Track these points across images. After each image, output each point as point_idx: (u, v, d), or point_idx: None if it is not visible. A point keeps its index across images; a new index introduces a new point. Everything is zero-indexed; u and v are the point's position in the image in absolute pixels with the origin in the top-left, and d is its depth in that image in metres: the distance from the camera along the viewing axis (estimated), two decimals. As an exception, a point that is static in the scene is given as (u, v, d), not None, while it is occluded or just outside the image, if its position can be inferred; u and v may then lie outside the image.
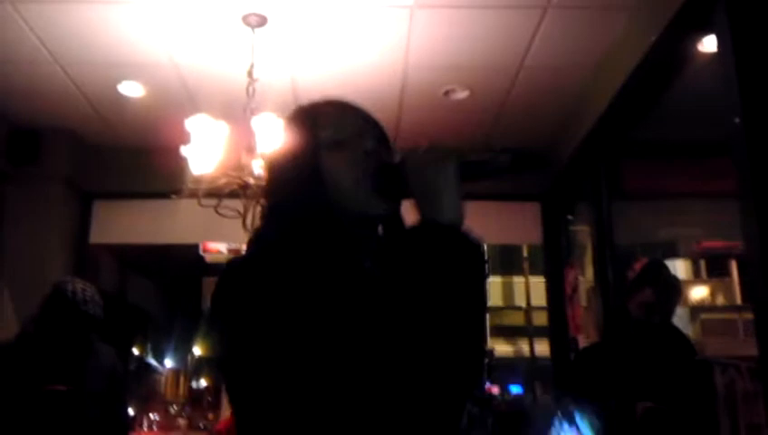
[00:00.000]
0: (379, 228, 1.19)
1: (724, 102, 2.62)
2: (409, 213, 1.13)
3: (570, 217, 5.36)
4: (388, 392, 0.91)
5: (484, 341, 0.97)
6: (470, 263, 0.99)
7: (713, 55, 2.93)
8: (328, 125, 1.20)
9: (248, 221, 3.57)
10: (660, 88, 3.62)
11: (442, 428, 0.94)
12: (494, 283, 12.92)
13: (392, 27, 3.75)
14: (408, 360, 0.91)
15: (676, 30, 3.15)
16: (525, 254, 11.81)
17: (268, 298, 0.98)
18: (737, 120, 2.52)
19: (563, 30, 3.76)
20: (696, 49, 3.31)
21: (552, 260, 5.36)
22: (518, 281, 12.53)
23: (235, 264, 1.09)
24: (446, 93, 4.44)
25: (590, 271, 4.81)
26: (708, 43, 3.11)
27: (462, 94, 4.45)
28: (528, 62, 4.06)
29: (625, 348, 3.05)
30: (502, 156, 1.06)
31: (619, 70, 3.73)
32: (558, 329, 5.21)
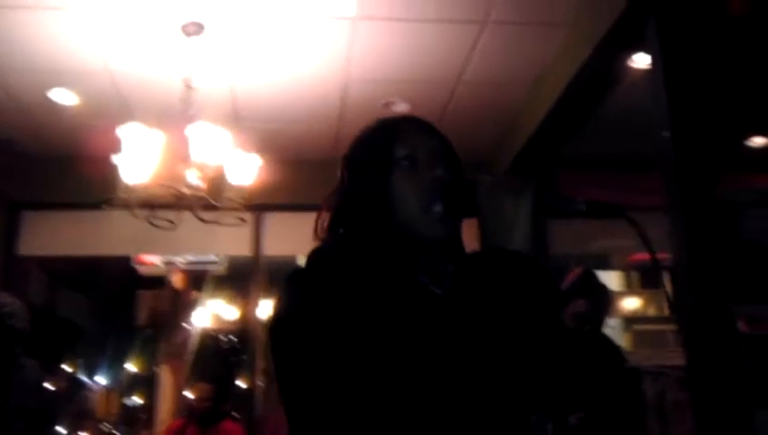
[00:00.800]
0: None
1: (655, 117, 2.69)
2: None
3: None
4: (444, 406, 0.92)
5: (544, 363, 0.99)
6: (542, 289, 0.98)
7: (645, 71, 3.02)
8: (405, 144, 1.19)
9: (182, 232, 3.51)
10: (595, 102, 3.71)
11: None
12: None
13: (333, 38, 3.75)
14: (471, 376, 0.92)
15: (610, 46, 3.23)
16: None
17: (324, 313, 1.00)
18: (666, 134, 2.59)
19: (501, 45, 3.81)
20: (629, 65, 3.41)
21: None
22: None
23: (297, 276, 1.10)
24: (386, 105, 4.45)
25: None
26: (640, 60, 3.20)
27: (401, 107, 4.47)
28: (467, 76, 4.11)
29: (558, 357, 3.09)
30: (579, 201, 1.05)
31: (555, 85, 3.81)
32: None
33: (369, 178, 1.18)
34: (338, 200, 1.23)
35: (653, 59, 2.80)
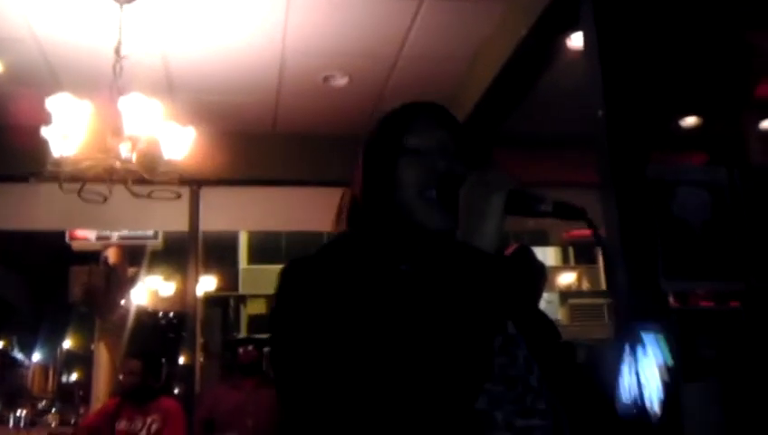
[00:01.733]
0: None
1: (589, 96, 2.73)
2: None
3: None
4: (394, 385, 0.96)
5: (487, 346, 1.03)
6: (490, 289, 1.00)
7: (580, 50, 3.05)
8: (416, 135, 1.21)
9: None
10: (531, 80, 3.74)
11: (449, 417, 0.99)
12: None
13: (269, 8, 3.67)
14: (412, 358, 0.96)
15: (547, 25, 3.25)
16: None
17: (308, 297, 1.07)
18: (600, 112, 2.62)
19: (441, 20, 3.80)
20: (565, 44, 3.44)
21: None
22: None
23: (295, 264, 1.14)
24: (326, 79, 4.41)
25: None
26: (577, 39, 3.23)
27: (341, 81, 4.44)
28: (406, 50, 4.09)
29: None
30: (547, 202, 1.06)
31: (492, 62, 3.82)
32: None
33: (378, 164, 1.22)
34: (354, 185, 1.27)
35: (588, 38, 2.83)
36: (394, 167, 1.19)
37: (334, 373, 0.99)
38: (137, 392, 4.28)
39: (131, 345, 8.41)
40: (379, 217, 1.19)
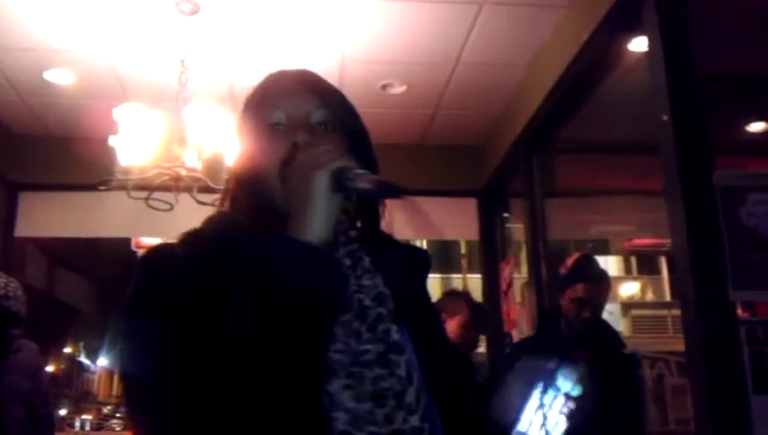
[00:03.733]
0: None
1: (653, 101, 2.68)
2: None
3: (505, 214, 5.42)
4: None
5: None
6: (300, 283, 0.88)
7: (642, 55, 2.99)
8: (273, 106, 1.11)
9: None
10: (592, 86, 3.69)
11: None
12: (433, 280, 12.99)
13: (329, 19, 3.71)
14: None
15: (608, 29, 3.20)
16: (463, 251, 11.93)
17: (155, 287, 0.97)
18: (665, 117, 2.57)
19: (499, 26, 3.78)
20: (627, 48, 3.38)
21: (489, 256, 5.41)
22: (456, 278, 12.64)
23: (156, 251, 1.06)
24: (384, 87, 4.43)
25: (524, 267, 4.87)
26: (638, 44, 3.18)
27: (399, 89, 4.45)
28: (464, 57, 4.08)
29: (556, 341, 3.09)
30: (370, 182, 0.95)
31: (552, 67, 3.78)
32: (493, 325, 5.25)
33: (242, 143, 1.13)
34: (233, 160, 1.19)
35: (651, 41, 2.77)
36: (255, 144, 1.10)
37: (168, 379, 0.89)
38: None
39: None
40: (246, 198, 1.10)
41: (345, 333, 0.99)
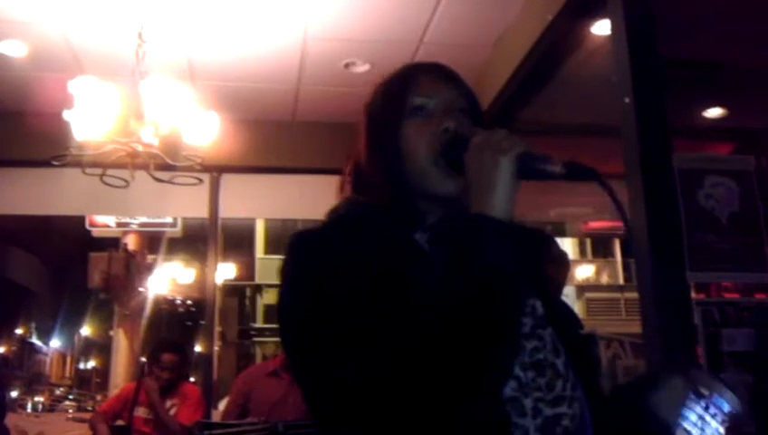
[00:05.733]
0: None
1: (616, 83, 2.69)
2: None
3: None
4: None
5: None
6: (501, 259, 0.95)
7: (606, 38, 3.01)
8: (420, 94, 1.15)
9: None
10: (555, 68, 3.70)
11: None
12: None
13: (291, -5, 3.66)
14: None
15: (572, 11, 3.22)
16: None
17: (321, 271, 1.03)
18: (627, 99, 2.59)
19: (463, 6, 3.77)
20: (591, 31, 3.40)
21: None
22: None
23: (305, 236, 1.11)
24: (347, 66, 4.39)
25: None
26: (602, 26, 3.19)
27: (362, 68, 4.41)
28: (428, 37, 4.06)
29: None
30: (557, 162, 1.01)
31: (515, 49, 3.79)
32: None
33: (383, 129, 1.16)
34: (357, 152, 1.21)
35: (615, 24, 2.79)
36: (399, 130, 1.13)
37: (353, 352, 0.94)
38: (168, 383, 4.34)
39: (151, 333, 8.45)
40: (389, 184, 1.13)
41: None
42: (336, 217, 1.16)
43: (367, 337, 0.94)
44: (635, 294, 2.69)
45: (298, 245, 1.09)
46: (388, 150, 1.13)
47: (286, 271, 1.08)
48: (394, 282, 0.99)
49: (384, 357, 0.92)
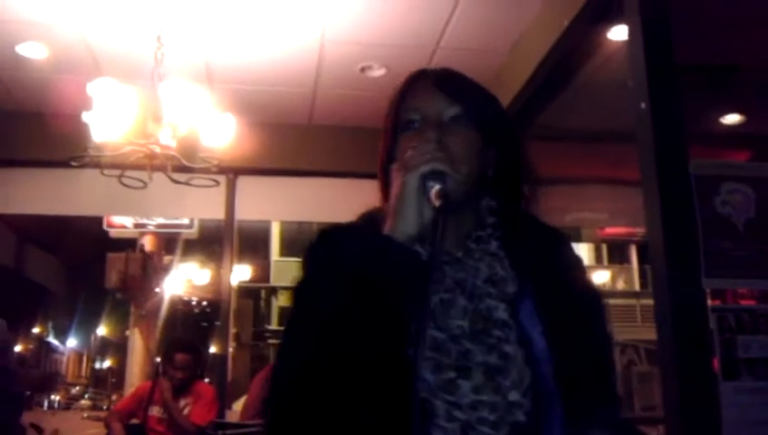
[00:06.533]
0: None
1: (632, 89, 2.68)
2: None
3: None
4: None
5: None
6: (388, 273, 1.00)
7: (622, 43, 3.00)
8: (409, 107, 1.17)
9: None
10: (571, 73, 3.70)
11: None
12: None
13: (309, -1, 3.67)
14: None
15: (589, 17, 3.21)
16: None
17: (314, 271, 1.11)
18: (643, 105, 2.58)
19: (480, 11, 3.77)
20: (607, 37, 3.39)
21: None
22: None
23: (323, 234, 1.17)
24: (363, 70, 4.40)
25: (499, 253, 4.88)
26: (618, 32, 3.19)
27: (379, 72, 4.43)
28: (444, 42, 4.07)
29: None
30: (437, 195, 1.02)
31: (532, 54, 3.78)
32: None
33: (384, 142, 1.19)
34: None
35: (632, 29, 2.78)
36: (395, 144, 1.16)
37: (298, 353, 1.02)
38: (181, 383, 4.37)
39: (167, 333, 8.49)
40: (385, 196, 1.17)
41: (443, 311, 1.06)
42: (359, 220, 1.20)
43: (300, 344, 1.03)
44: (651, 301, 2.68)
45: (317, 243, 1.16)
46: (383, 165, 1.18)
47: (302, 266, 1.15)
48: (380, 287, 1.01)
49: (293, 367, 1.02)
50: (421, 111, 1.15)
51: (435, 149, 1.05)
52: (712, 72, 3.70)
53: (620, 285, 12.99)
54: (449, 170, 1.03)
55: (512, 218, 1.19)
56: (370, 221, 1.16)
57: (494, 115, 1.21)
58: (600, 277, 13.05)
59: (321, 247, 1.14)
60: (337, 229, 1.18)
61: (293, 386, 0.99)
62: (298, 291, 1.11)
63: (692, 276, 2.43)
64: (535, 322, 1.08)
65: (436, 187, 1.01)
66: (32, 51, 4.19)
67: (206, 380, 5.47)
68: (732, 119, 4.48)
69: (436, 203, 1.01)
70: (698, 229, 2.48)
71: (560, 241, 1.25)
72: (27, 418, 3.94)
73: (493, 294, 1.09)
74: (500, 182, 1.19)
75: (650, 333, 3.00)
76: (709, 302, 2.60)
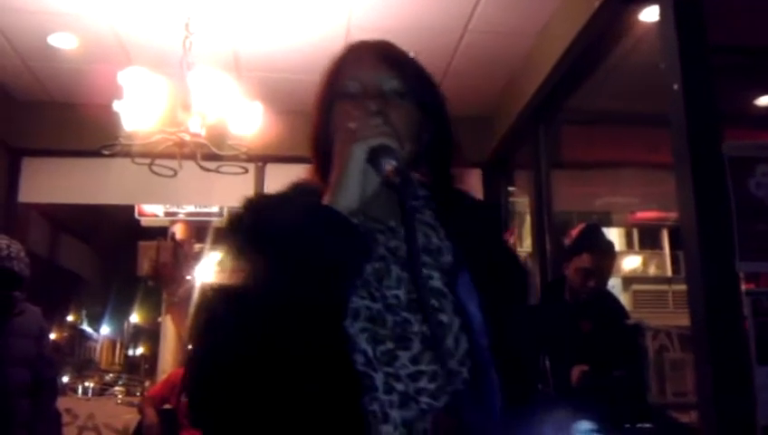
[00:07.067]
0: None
1: (664, 70, 2.64)
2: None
3: (510, 188, 5.39)
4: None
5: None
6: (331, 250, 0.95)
7: (654, 25, 2.95)
8: (348, 75, 1.13)
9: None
10: (601, 56, 3.65)
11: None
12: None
13: (336, -15, 3.67)
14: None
15: (619, -3, 3.16)
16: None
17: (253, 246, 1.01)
18: (676, 86, 2.54)
19: (508, -7, 3.74)
20: (638, 18, 3.33)
21: (492, 227, 5.39)
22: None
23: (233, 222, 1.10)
24: (390, 56, 4.38)
25: (528, 239, 4.86)
26: (650, 13, 3.13)
27: (406, 57, 4.40)
28: (473, 25, 4.03)
29: (561, 312, 3.09)
30: (399, 172, 0.99)
31: (561, 36, 3.74)
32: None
33: (315, 113, 1.16)
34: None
35: (664, 9, 2.73)
36: (329, 114, 1.12)
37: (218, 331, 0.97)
38: None
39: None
40: (321, 166, 1.12)
41: (376, 280, 1.03)
42: (281, 194, 1.15)
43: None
44: (683, 287, 2.66)
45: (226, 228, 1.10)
46: (317, 134, 1.14)
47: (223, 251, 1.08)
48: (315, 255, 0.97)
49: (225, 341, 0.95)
50: (361, 81, 1.12)
51: (383, 123, 1.02)
52: (746, 53, 3.62)
53: (652, 271, 12.82)
54: (397, 147, 1.00)
55: (444, 193, 1.17)
56: (301, 193, 1.13)
57: (431, 92, 1.18)
58: (632, 263, 12.89)
59: (249, 217, 1.08)
60: (266, 199, 1.15)
61: (227, 368, 0.94)
62: (222, 264, 1.04)
63: (726, 260, 2.40)
64: (473, 295, 1.06)
65: (392, 163, 0.98)
66: (62, 41, 4.23)
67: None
68: (766, 100, 4.39)
69: (396, 180, 0.98)
70: (732, 212, 2.45)
71: (493, 216, 1.25)
72: (62, 403, 4.01)
73: (427, 262, 1.07)
74: (432, 160, 1.17)
75: (682, 320, 2.97)
76: (743, 286, 2.57)
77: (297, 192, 1.14)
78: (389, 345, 0.99)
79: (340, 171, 1.00)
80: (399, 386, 0.97)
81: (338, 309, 0.97)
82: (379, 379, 0.97)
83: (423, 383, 0.98)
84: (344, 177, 0.99)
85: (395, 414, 0.96)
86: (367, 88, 1.11)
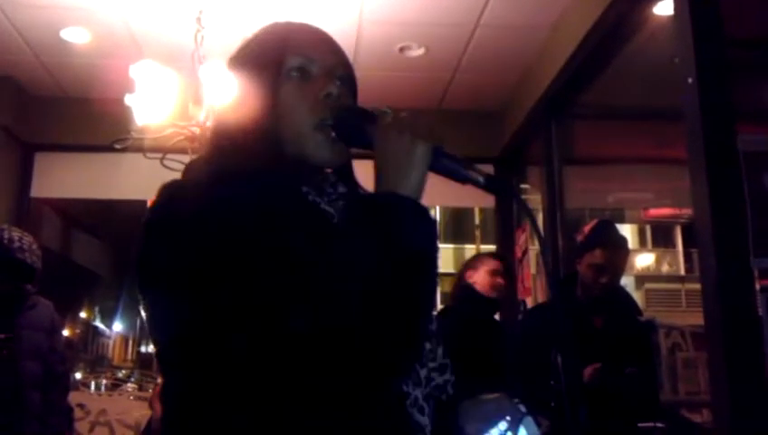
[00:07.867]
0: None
1: (678, 65, 2.61)
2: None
3: (522, 184, 5.37)
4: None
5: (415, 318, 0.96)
6: (424, 239, 0.95)
7: (668, 18, 2.92)
8: (298, 54, 1.08)
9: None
10: (615, 50, 3.61)
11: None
12: (445, 251, 12.98)
13: (347, -22, 3.65)
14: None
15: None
16: (477, 222, 11.89)
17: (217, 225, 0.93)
18: (690, 80, 2.51)
19: (521, -13, 3.71)
20: (652, 11, 3.30)
21: (504, 224, 5.37)
22: (469, 248, 12.61)
23: (178, 188, 1.03)
24: (402, 50, 4.37)
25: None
26: (664, 7, 3.10)
27: (417, 52, 4.39)
28: (485, 19, 4.01)
29: (573, 308, 3.06)
30: (478, 172, 0.99)
31: (575, 30, 3.71)
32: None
33: (256, 88, 1.08)
34: (224, 108, 1.15)
35: (678, 3, 2.70)
36: (276, 93, 1.06)
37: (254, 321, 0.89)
38: None
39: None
40: (263, 145, 1.05)
41: None
42: (210, 170, 1.05)
43: (281, 300, 0.88)
44: (696, 285, 2.63)
45: (172, 196, 1.01)
46: (262, 111, 1.06)
47: (158, 222, 1.02)
48: (293, 238, 0.93)
49: (305, 328, 0.87)
50: (317, 62, 1.09)
51: (432, 124, 1.00)
52: (762, 47, 3.58)
53: (665, 269, 12.75)
54: (449, 153, 1.00)
55: (352, 186, 1.17)
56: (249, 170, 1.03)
57: (355, 84, 1.16)
58: (644, 261, 12.81)
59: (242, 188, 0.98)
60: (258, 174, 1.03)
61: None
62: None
63: (740, 256, 2.37)
64: None
65: (463, 160, 1.00)
66: (75, 36, 4.25)
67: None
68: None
69: (480, 178, 0.99)
70: (747, 208, 2.42)
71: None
72: (74, 399, 4.02)
73: None
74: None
75: (695, 319, 2.95)
76: (758, 283, 2.54)
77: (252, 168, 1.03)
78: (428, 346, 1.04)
79: (403, 163, 0.96)
80: (438, 379, 1.04)
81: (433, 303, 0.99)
82: (423, 374, 1.01)
83: (447, 376, 1.06)
84: (413, 170, 0.96)
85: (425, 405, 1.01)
86: (324, 69, 1.08)
